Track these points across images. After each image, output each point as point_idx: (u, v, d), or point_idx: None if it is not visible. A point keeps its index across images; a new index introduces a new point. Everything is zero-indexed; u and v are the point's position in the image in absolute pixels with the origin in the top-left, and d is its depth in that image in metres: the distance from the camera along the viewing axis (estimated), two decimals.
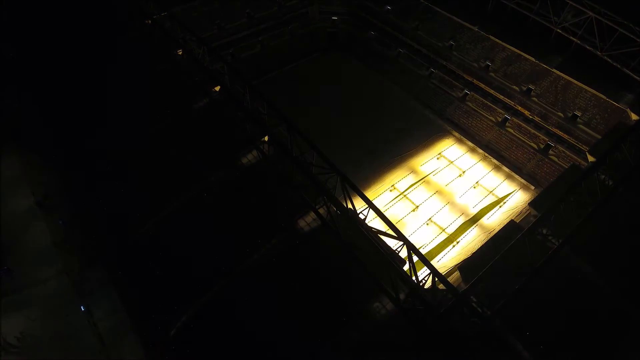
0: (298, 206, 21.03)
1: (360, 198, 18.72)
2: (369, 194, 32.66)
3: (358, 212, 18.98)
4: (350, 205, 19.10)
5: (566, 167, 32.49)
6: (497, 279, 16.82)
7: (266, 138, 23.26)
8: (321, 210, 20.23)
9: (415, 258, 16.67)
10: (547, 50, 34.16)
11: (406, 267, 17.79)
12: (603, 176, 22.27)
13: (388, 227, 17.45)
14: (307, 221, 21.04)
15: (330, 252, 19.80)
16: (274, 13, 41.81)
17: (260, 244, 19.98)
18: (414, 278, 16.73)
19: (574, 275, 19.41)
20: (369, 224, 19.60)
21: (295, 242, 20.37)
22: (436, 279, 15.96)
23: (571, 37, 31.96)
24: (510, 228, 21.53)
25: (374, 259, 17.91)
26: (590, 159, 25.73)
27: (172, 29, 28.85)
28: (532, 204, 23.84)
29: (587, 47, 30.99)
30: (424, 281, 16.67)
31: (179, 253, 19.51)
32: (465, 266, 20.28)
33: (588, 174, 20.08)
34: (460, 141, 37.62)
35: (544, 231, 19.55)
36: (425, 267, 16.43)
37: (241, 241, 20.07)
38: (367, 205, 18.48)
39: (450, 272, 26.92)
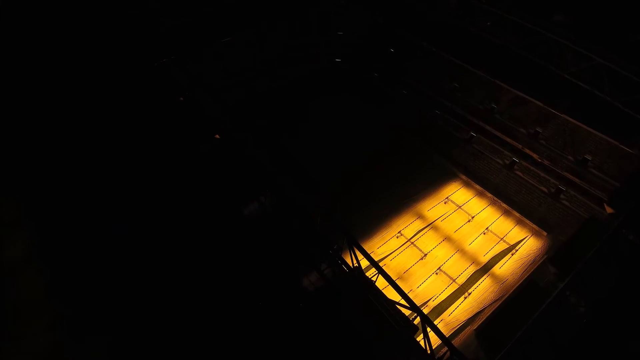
0: (300, 264, 19.69)
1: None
2: (375, 241, 31.36)
3: (365, 272, 17.63)
4: (356, 264, 17.79)
5: (578, 211, 31.24)
6: (525, 354, 15.19)
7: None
8: (326, 271, 18.87)
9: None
10: (554, 94, 33.61)
11: (419, 337, 16.24)
12: (624, 230, 21.01)
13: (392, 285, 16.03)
14: (311, 280, 19.62)
15: (334, 315, 18.28)
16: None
17: (260, 305, 18.58)
18: (428, 351, 15.16)
19: (607, 342, 17.75)
20: (376, 282, 18.15)
21: (299, 304, 18.91)
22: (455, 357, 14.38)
23: (579, 82, 31.46)
24: (529, 289, 19.98)
25: (383, 327, 16.39)
26: (609, 210, 24.55)
27: (176, 73, 28.44)
28: (551, 261, 22.37)
29: (596, 92, 30.40)
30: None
31: (173, 308, 18.27)
32: (483, 333, 18.61)
33: (612, 232, 18.80)
34: (467, 184, 36.58)
35: (567, 293, 18.06)
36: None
37: (239, 303, 18.67)
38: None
39: (462, 327, 25.28)
